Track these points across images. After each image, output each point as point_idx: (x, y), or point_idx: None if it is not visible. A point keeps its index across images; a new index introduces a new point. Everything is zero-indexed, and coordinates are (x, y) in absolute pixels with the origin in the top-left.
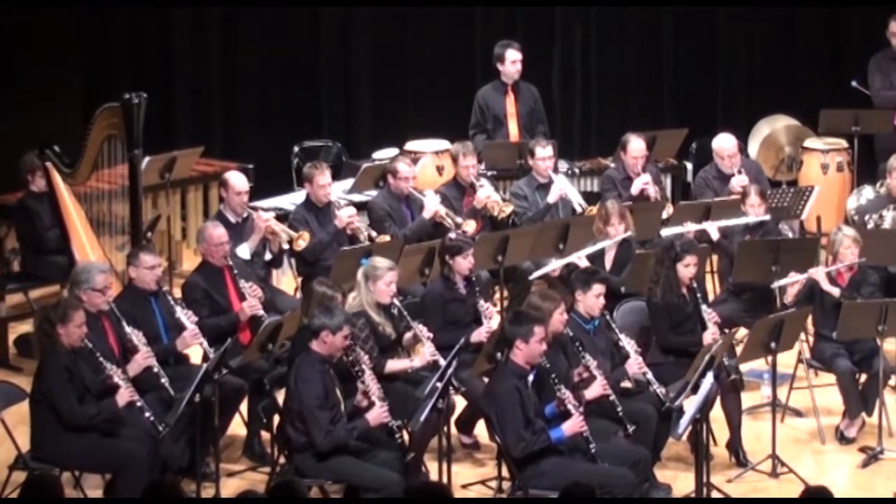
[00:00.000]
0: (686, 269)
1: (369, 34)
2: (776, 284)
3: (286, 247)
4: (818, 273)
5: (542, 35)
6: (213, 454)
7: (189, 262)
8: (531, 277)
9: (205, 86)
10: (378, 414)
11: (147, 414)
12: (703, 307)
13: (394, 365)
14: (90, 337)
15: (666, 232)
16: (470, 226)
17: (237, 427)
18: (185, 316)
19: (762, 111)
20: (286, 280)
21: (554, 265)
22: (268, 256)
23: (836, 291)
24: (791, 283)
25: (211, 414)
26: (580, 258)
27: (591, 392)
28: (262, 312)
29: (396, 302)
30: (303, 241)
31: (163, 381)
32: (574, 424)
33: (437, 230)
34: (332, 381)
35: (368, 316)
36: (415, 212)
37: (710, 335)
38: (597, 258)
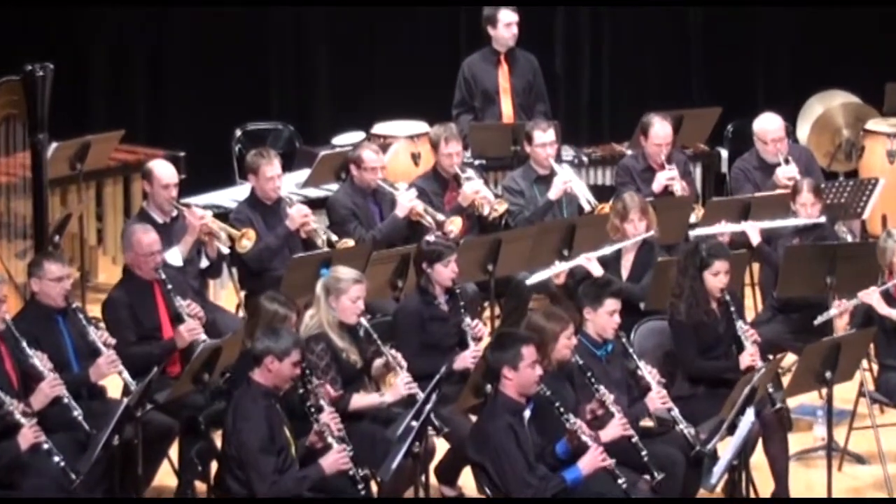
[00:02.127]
0: (715, 278)
1: None
2: (819, 321)
3: (226, 251)
4: (871, 296)
5: None
6: None
7: (106, 272)
8: (529, 282)
9: (126, 56)
10: (335, 459)
11: (56, 459)
12: (739, 323)
13: (360, 400)
14: None
15: (697, 233)
16: (454, 226)
17: (166, 476)
18: (100, 338)
19: (814, 86)
20: (226, 294)
21: (557, 268)
22: (203, 263)
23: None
24: (839, 315)
25: (133, 460)
26: (590, 260)
27: (609, 432)
28: (202, 338)
29: (364, 321)
30: (248, 241)
31: (75, 414)
32: (593, 459)
33: (412, 232)
34: (278, 418)
35: (329, 339)
36: (385, 209)
37: (749, 357)
38: (611, 263)
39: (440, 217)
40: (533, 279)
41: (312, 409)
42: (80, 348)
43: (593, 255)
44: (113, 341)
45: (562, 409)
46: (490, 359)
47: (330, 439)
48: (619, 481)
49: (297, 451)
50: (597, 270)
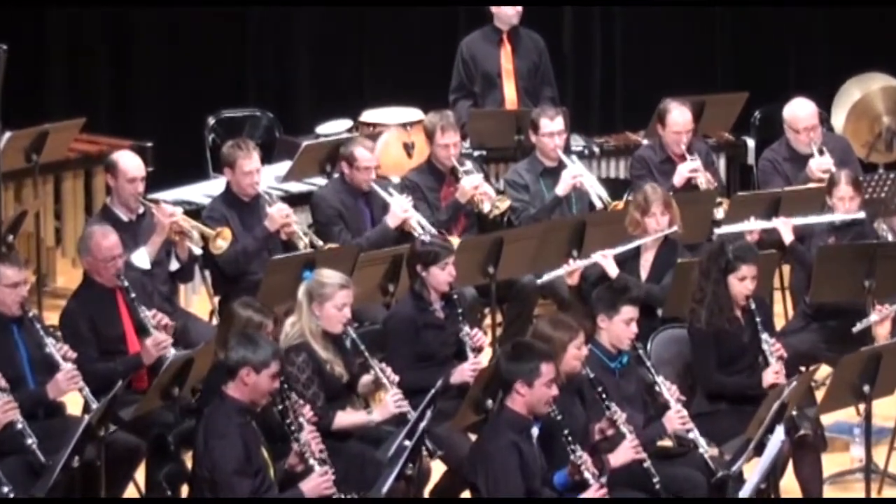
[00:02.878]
0: (740, 283)
1: None
2: (857, 328)
3: (198, 252)
4: None
5: None
6: None
7: (66, 275)
8: (539, 282)
9: (87, 36)
10: (317, 483)
11: (6, 490)
12: (764, 336)
13: (346, 417)
14: None
15: (721, 231)
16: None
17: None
18: (59, 351)
19: (851, 68)
20: (198, 300)
21: (569, 267)
22: (173, 266)
23: None
24: (879, 322)
25: (96, 484)
26: (606, 257)
27: (619, 456)
28: (171, 352)
29: (350, 331)
30: (222, 242)
31: (29, 442)
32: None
33: (404, 234)
34: (255, 437)
35: (312, 350)
36: (376, 213)
37: (773, 374)
38: (629, 261)
39: (433, 231)
40: (544, 278)
41: (292, 428)
42: (36, 361)
43: (610, 252)
44: (73, 354)
45: (570, 438)
46: (504, 369)
47: (312, 461)
48: None
49: (275, 473)
50: (612, 269)
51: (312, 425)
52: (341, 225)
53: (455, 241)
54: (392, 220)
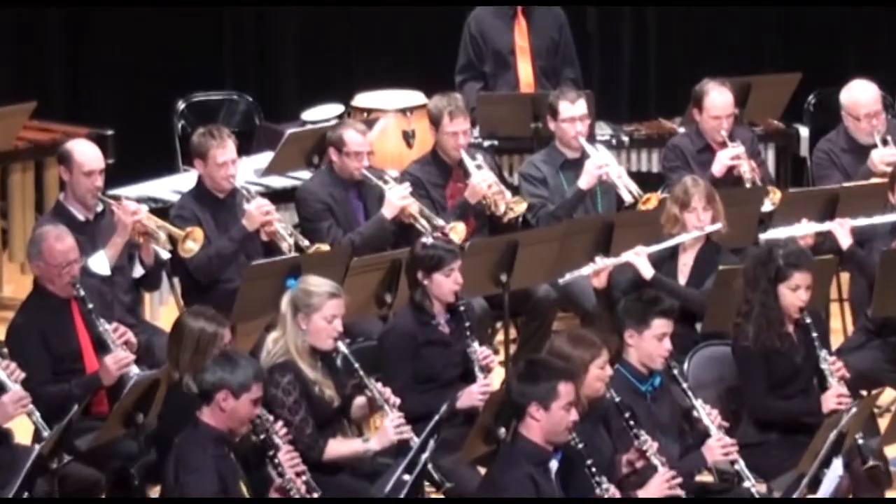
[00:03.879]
0: (793, 294)
1: None
2: None
3: (166, 256)
4: None
5: None
6: None
7: (13, 283)
8: (561, 281)
9: (38, 7)
10: None
11: None
12: (822, 353)
13: (338, 447)
14: None
15: (769, 235)
16: (455, 234)
17: None
18: (6, 370)
19: None
20: (166, 311)
21: (596, 266)
22: (137, 272)
23: None
24: None
25: None
26: (640, 256)
27: (650, 491)
28: (134, 370)
29: (342, 347)
30: (193, 244)
31: None
32: None
33: (403, 234)
34: (233, 470)
35: (298, 369)
36: (371, 206)
37: (834, 399)
38: (665, 263)
39: (439, 222)
40: (566, 277)
41: (276, 460)
42: None
43: (644, 250)
44: (21, 375)
45: (594, 470)
46: (515, 391)
47: (295, 496)
48: None
49: None
50: (647, 270)
51: (295, 455)
52: (331, 221)
53: (460, 229)
54: (389, 210)
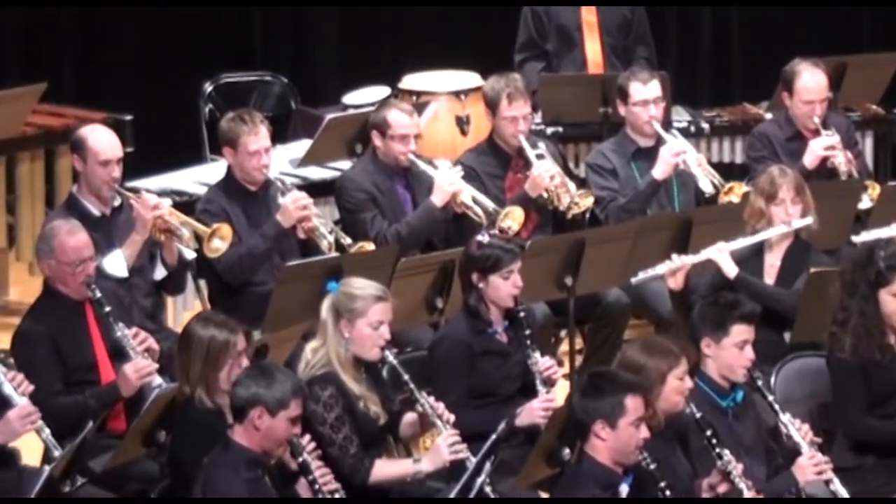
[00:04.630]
0: None
1: None
2: None
3: (191, 256)
4: None
5: None
6: None
7: (21, 285)
8: (633, 281)
9: None
10: None
11: None
12: None
13: (386, 468)
14: None
15: (866, 236)
16: (511, 220)
17: None
18: (12, 382)
19: None
20: (191, 317)
21: (672, 264)
22: (159, 274)
23: None
24: None
25: None
26: (722, 253)
27: None
28: (157, 381)
29: (390, 357)
30: (222, 242)
31: None
32: None
33: (456, 229)
34: (270, 496)
35: (340, 382)
36: (419, 195)
37: None
38: (750, 262)
39: (494, 208)
40: (639, 276)
41: (316, 487)
42: None
43: (726, 247)
44: (30, 387)
45: (668, 493)
46: (578, 408)
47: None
48: None
49: None
50: (730, 268)
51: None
52: (374, 211)
53: (517, 213)
54: (438, 197)
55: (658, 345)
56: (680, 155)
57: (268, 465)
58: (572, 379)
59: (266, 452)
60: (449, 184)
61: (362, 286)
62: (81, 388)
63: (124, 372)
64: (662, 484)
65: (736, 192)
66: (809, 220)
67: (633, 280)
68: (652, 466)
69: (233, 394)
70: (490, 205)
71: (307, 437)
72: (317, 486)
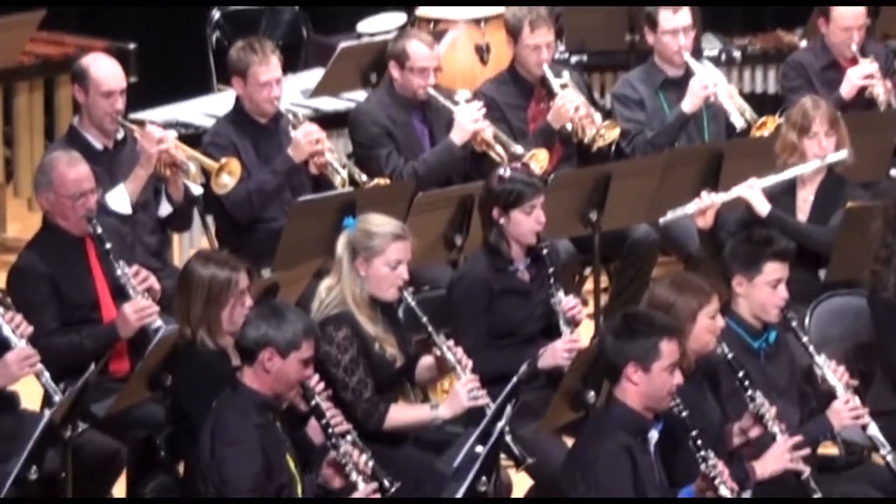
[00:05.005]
0: None
1: None
2: None
3: (198, 191)
4: None
5: None
6: None
7: (19, 222)
8: (662, 221)
9: None
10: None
11: None
12: None
13: (402, 413)
14: None
15: None
16: (536, 162)
17: None
18: (11, 323)
19: None
20: None
21: (701, 203)
22: (164, 210)
23: None
24: None
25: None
26: (753, 189)
27: (767, 464)
28: (157, 322)
29: (408, 298)
30: (230, 177)
31: None
32: None
33: (475, 165)
34: (278, 442)
35: (355, 323)
36: (437, 131)
37: None
38: (782, 198)
39: (517, 149)
40: (667, 216)
41: (330, 431)
42: None
43: (758, 183)
44: (29, 329)
45: (699, 442)
46: (610, 349)
47: (354, 476)
48: None
49: (304, 490)
50: (762, 205)
51: (348, 425)
52: (390, 147)
53: (542, 156)
54: (458, 135)
55: (688, 282)
56: (710, 88)
57: (279, 410)
58: (597, 319)
59: (277, 396)
60: (471, 121)
61: (381, 223)
62: (83, 328)
63: (123, 312)
64: (694, 433)
65: (768, 126)
66: (844, 155)
67: (661, 220)
68: (684, 414)
69: (242, 335)
70: (513, 145)
71: (316, 377)
72: (330, 431)
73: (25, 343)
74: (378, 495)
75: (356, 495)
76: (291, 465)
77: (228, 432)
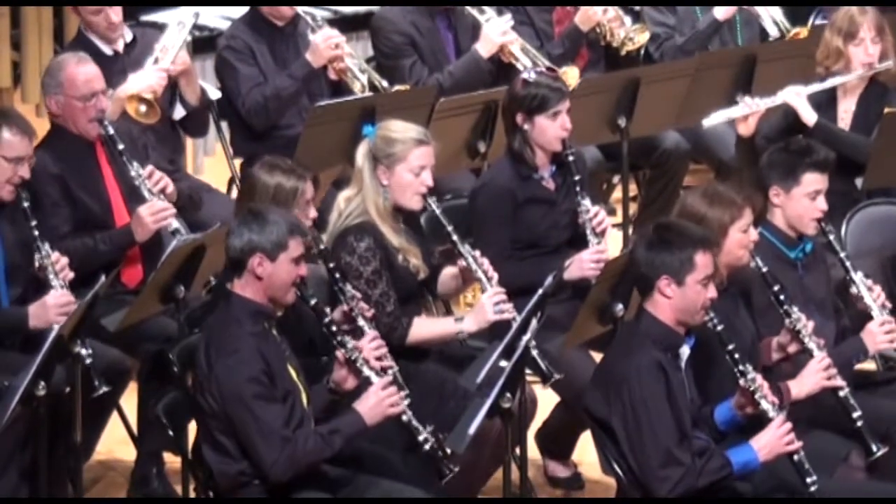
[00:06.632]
0: None
1: None
2: None
3: (216, 95)
4: None
5: None
6: (74, 491)
7: None
8: (705, 123)
9: None
10: (379, 400)
11: None
12: None
13: (425, 327)
14: None
15: None
16: (569, 74)
17: (117, 444)
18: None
19: None
20: (212, 163)
21: (745, 108)
22: (178, 113)
23: None
24: None
25: (68, 419)
26: (801, 97)
27: (805, 382)
28: (174, 224)
29: (433, 205)
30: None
31: None
32: (775, 440)
33: (501, 77)
34: (277, 350)
35: (378, 233)
36: (462, 38)
37: None
38: (824, 108)
39: (545, 63)
40: (711, 119)
41: (333, 329)
42: (14, 267)
43: (803, 90)
44: (71, 274)
45: (736, 356)
46: (643, 260)
47: (366, 371)
48: (808, 480)
49: (309, 401)
50: (809, 114)
51: (376, 337)
52: (414, 57)
53: (573, 74)
54: (485, 47)
55: (720, 194)
56: None
57: (274, 317)
58: (625, 229)
59: (272, 301)
60: (500, 34)
61: (402, 129)
62: (91, 233)
63: (139, 214)
64: (731, 347)
65: (803, 37)
66: (890, 63)
67: (705, 122)
68: (719, 328)
69: (227, 246)
70: (541, 58)
71: (349, 286)
72: (333, 329)
73: (66, 290)
74: (392, 391)
75: (371, 390)
76: (293, 373)
77: (224, 343)
